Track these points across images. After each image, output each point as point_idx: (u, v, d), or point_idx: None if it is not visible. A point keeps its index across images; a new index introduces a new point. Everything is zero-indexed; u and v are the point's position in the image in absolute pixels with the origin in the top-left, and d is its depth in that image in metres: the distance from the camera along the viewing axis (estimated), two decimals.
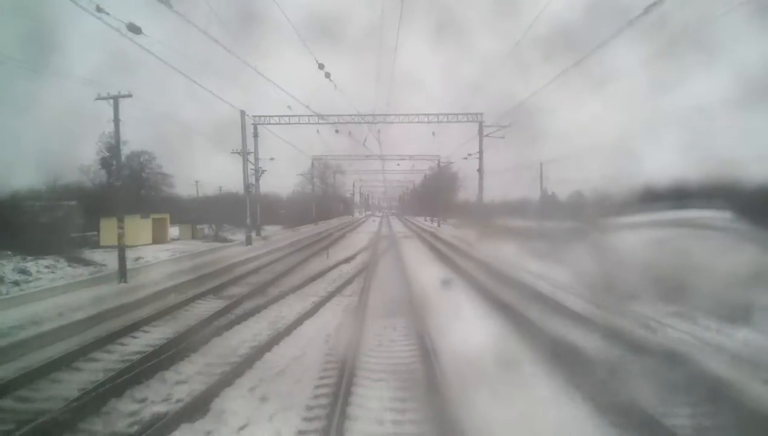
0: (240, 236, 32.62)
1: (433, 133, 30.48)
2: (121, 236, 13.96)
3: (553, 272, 13.12)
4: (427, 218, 57.89)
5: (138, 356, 7.50)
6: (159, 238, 34.46)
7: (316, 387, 6.38)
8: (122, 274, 13.34)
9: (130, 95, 12.59)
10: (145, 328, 9.43)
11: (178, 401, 5.97)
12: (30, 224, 27.33)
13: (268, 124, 28.12)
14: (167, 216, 36.65)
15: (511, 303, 10.31)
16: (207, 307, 11.29)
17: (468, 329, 8.84)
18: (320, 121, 27.76)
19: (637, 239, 12.95)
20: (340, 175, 69.02)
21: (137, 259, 21.79)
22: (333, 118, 28.11)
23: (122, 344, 8.50)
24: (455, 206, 48.84)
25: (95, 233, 31.87)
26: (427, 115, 28.72)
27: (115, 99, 12.53)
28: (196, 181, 50.98)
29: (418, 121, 28.67)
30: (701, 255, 9.90)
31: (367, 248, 24.86)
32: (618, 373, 6.27)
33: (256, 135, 28.21)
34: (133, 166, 38.85)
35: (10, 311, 9.68)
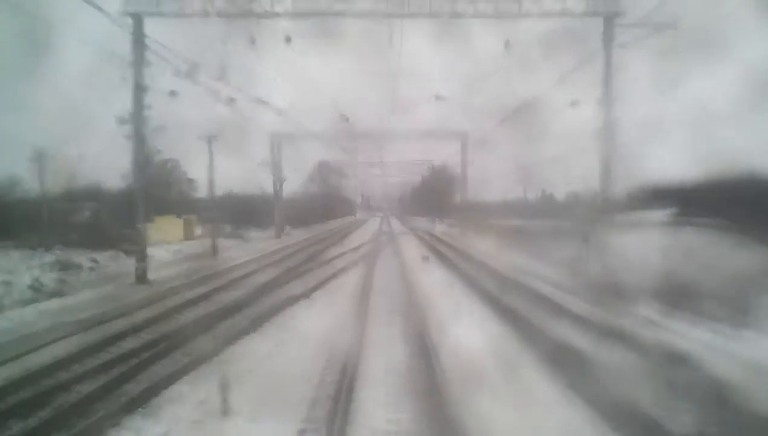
0: (255, 233, 39.55)
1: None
2: (215, 229, 21.12)
3: (497, 251, 20.31)
4: (424, 218, 65.01)
5: (266, 282, 14.69)
6: (188, 235, 41.21)
7: (357, 287, 13.52)
8: (215, 251, 20.54)
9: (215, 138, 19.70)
10: (257, 274, 16.79)
11: (295, 294, 12.92)
12: (71, 223, 34.15)
13: (291, 138, 35.23)
14: (194, 217, 43.43)
15: (456, 262, 17.50)
16: (280, 268, 18.27)
17: (423, 268, 16.07)
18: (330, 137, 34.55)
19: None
20: (343, 178, 75.85)
21: (177, 251, 28.72)
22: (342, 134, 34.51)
23: (256, 277, 15.81)
24: (448, 207, 55.74)
25: (129, 230, 38.59)
26: (420, 132, 35.39)
27: (209, 139, 19.66)
28: (210, 183, 57.85)
29: (413, 137, 35.61)
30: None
31: (371, 240, 32.07)
32: (505, 297, 13.35)
33: (277, 148, 35.35)
34: (162, 173, 45.72)
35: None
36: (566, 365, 6.81)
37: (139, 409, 5.85)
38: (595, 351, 7.45)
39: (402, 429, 5.36)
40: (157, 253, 27.21)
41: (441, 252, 23.11)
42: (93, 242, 30.35)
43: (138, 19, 12.93)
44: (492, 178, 42.33)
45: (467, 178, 37.32)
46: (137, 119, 13.55)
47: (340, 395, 5.92)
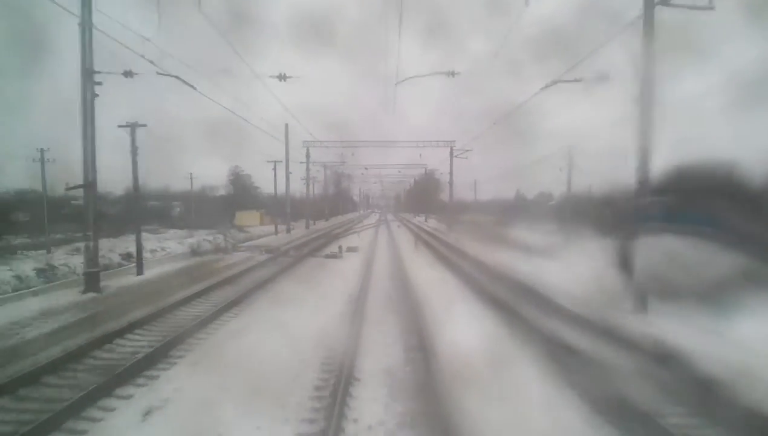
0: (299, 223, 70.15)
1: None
2: (307, 217, 51.58)
3: (437, 226, 50.93)
4: (412, 213, 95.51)
5: (345, 230, 45.24)
6: (262, 222, 71.64)
7: (372, 234, 44.08)
8: (307, 225, 50.95)
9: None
10: (340, 227, 47.24)
11: (354, 231, 43.22)
12: (168, 216, 64.17)
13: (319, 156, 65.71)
14: (263, 211, 73.74)
15: (411, 229, 48.33)
16: (344, 228, 48.63)
17: (398, 229, 46.83)
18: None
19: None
20: (347, 180, 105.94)
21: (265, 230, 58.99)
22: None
23: (340, 229, 46.41)
24: (429, 205, 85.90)
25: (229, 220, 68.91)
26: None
27: (287, 180, 50.13)
28: (258, 188, 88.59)
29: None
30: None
31: (375, 222, 62.92)
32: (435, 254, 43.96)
33: (324, 170, 65.84)
34: (243, 184, 76.26)
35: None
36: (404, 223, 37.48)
37: (333, 242, 36.33)
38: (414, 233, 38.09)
39: (384, 235, 35.98)
40: (254, 229, 57.52)
41: (408, 227, 53.64)
42: (187, 227, 58.30)
43: (308, 148, 43.13)
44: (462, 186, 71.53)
45: (440, 186, 67.18)
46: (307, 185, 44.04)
47: (376, 237, 36.38)
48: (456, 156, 43.24)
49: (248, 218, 67.45)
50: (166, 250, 29.04)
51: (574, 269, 14.17)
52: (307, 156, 43.49)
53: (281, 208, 71.73)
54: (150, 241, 32.41)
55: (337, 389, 6.66)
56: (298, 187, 52.92)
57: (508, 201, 48.39)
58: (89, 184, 13.81)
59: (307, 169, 44.00)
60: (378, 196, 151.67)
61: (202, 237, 45.39)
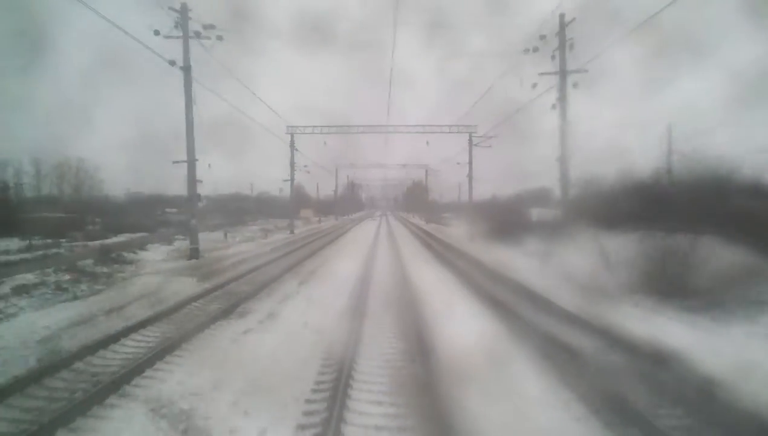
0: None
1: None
2: (338, 213, 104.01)
3: (420, 220, 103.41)
4: (405, 212, 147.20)
5: (368, 218, 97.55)
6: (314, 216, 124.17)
7: (377, 221, 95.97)
8: (341, 217, 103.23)
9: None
10: (362, 217, 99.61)
11: (371, 218, 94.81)
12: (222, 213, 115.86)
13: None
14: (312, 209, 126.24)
15: (403, 220, 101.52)
16: (365, 218, 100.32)
17: (392, 220, 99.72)
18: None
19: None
20: (356, 185, 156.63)
21: (319, 220, 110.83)
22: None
23: (363, 218, 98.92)
24: (419, 206, 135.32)
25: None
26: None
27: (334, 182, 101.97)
28: (309, 195, 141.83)
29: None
30: None
31: (379, 216, 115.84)
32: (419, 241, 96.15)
33: (349, 180, 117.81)
34: (300, 191, 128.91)
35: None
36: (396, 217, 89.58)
37: (366, 219, 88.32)
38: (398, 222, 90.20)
39: (384, 219, 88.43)
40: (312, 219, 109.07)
41: (401, 221, 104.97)
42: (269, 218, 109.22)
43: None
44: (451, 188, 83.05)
45: (430, 190, 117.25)
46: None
47: (381, 222, 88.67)
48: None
49: (306, 213, 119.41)
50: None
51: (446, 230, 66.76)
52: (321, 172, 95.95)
53: (322, 208, 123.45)
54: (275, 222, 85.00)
55: (381, 221, 61.40)
56: (323, 192, 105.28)
57: (484, 201, 51.59)
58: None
59: (336, 184, 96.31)
60: (380, 198, 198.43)
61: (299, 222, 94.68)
